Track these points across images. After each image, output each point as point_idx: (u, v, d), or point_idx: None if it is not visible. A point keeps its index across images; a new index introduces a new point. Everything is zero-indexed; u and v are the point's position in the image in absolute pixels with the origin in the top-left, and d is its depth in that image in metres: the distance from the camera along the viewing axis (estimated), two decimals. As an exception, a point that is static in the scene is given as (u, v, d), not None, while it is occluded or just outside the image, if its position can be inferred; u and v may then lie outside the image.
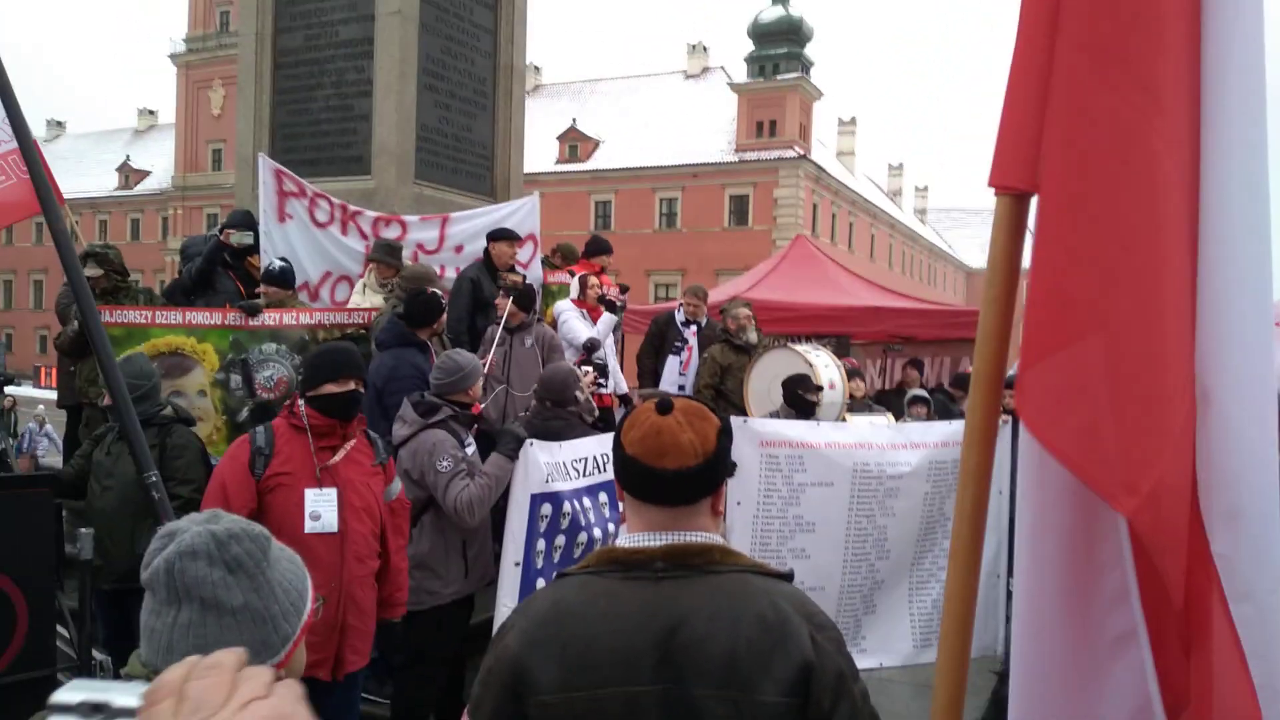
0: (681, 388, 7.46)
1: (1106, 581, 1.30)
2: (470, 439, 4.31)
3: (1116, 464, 1.23)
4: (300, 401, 3.57)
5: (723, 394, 7.15)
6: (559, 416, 4.62)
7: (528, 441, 4.13)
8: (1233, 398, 1.27)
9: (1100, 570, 1.31)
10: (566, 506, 4.24)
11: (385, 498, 3.75)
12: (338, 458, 3.54)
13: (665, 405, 1.74)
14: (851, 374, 7.44)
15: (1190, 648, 1.28)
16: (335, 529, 3.42)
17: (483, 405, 4.68)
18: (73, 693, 0.78)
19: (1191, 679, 1.27)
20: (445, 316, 5.82)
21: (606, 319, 6.94)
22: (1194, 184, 1.27)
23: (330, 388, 3.50)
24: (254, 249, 6.68)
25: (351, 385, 3.54)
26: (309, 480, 3.47)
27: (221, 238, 6.50)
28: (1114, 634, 1.30)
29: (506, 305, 5.87)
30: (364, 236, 6.80)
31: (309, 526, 3.38)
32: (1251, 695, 1.25)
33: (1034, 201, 1.38)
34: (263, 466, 3.46)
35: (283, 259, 6.35)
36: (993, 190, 1.45)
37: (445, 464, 4.02)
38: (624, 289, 8.31)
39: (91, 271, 5.86)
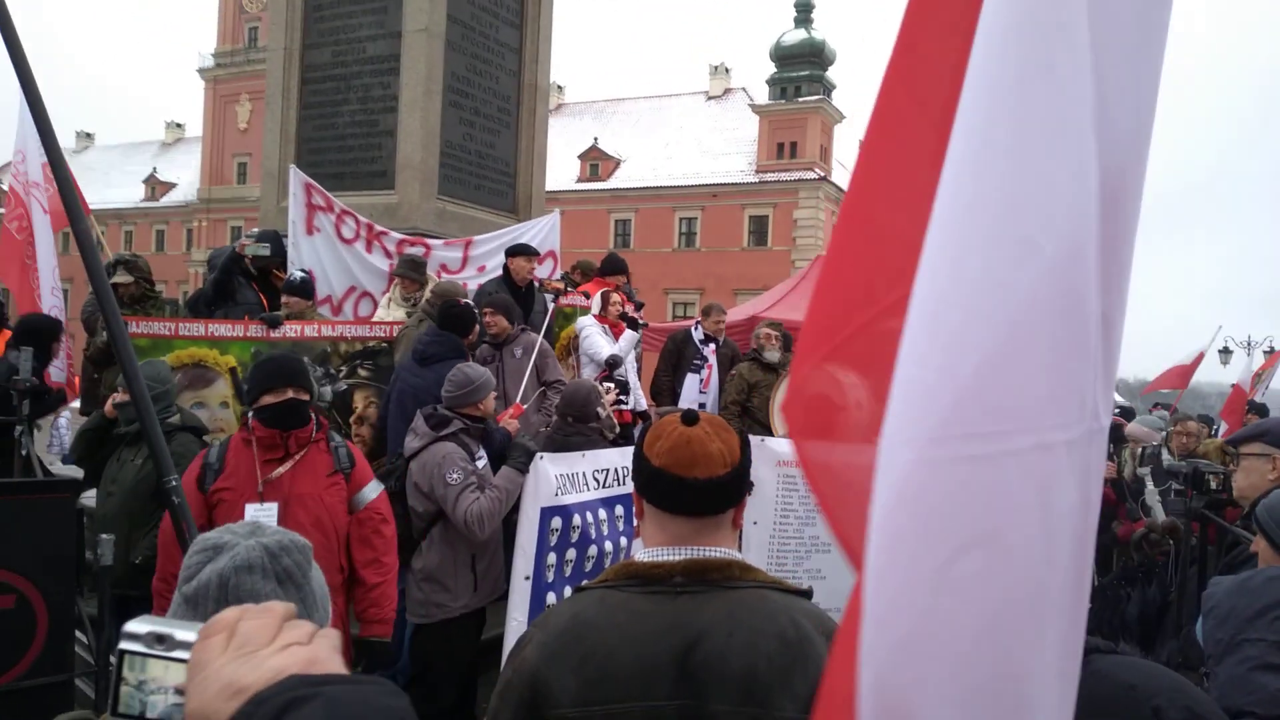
0: (702, 405, 7.45)
1: None
2: (481, 452, 4.31)
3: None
4: (250, 415, 3.55)
5: (749, 411, 7.14)
6: (580, 432, 4.62)
7: (538, 455, 4.13)
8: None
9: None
10: (576, 519, 4.23)
11: (354, 507, 3.66)
12: (282, 470, 3.48)
13: (691, 417, 1.75)
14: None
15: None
16: None
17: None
18: (141, 624, 0.85)
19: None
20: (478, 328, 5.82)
21: (629, 336, 6.95)
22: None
23: (267, 398, 3.45)
24: (280, 263, 6.75)
25: (289, 394, 3.47)
26: (251, 495, 3.42)
27: (237, 248, 6.58)
28: None
29: (499, 320, 5.80)
30: (388, 255, 6.86)
31: None
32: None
33: None
34: (210, 481, 3.45)
35: (304, 270, 6.40)
36: None
37: (455, 476, 4.02)
38: (639, 306, 8.31)
39: (122, 278, 5.95)
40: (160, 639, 0.84)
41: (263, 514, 3.39)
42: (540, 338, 5.87)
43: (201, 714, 0.75)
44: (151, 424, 3.00)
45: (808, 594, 1.75)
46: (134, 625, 0.85)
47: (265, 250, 6.57)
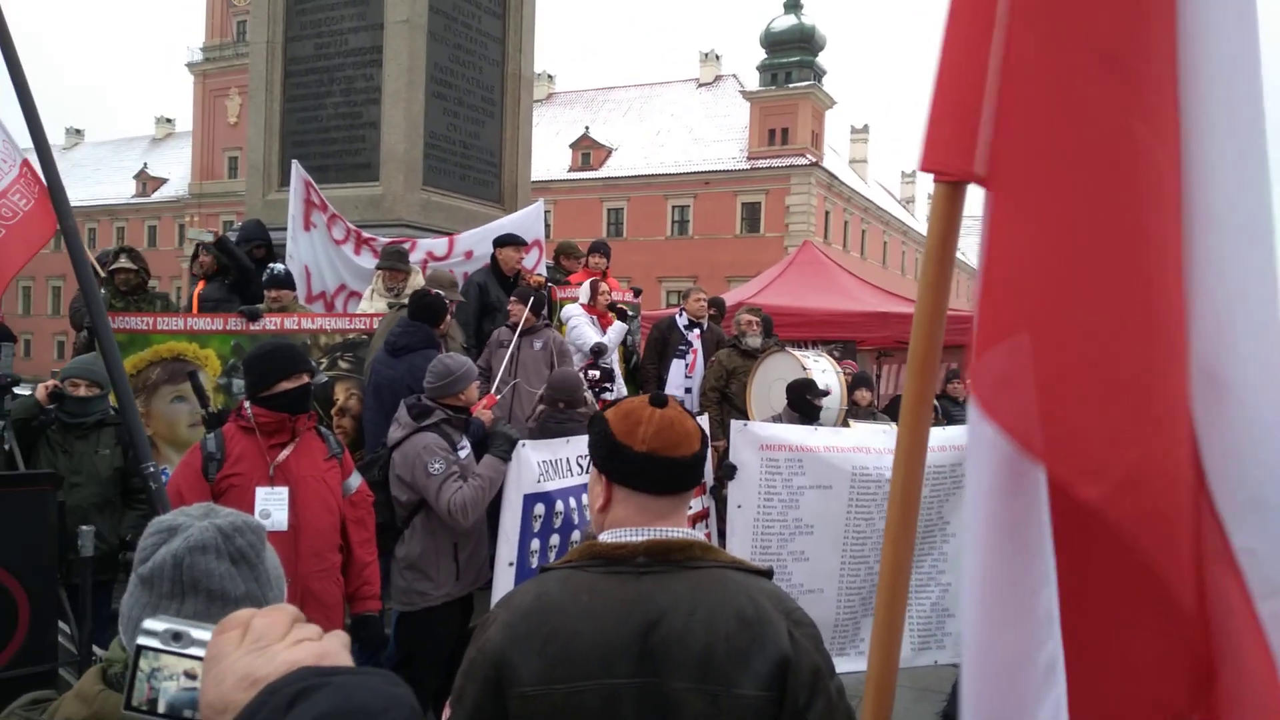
0: (688, 390, 7.45)
1: (1039, 601, 1.21)
2: (464, 442, 4.33)
3: (1077, 449, 1.15)
4: (246, 404, 3.64)
5: (727, 397, 7.15)
6: (572, 419, 4.67)
7: (520, 442, 4.17)
8: (1249, 384, 1.22)
9: (1035, 587, 1.22)
10: (559, 505, 4.26)
11: (344, 492, 3.80)
12: (286, 454, 3.59)
13: (660, 399, 1.78)
14: (860, 380, 7.41)
15: (1191, 655, 1.24)
16: (285, 527, 3.47)
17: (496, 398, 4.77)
18: (158, 622, 0.92)
19: (1218, 684, 1.24)
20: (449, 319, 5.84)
21: (617, 326, 6.96)
22: (1177, 176, 1.22)
23: (285, 385, 3.56)
24: (266, 250, 6.82)
25: (304, 379, 3.61)
26: (261, 479, 3.53)
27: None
28: (1046, 662, 1.21)
29: (522, 311, 5.88)
30: (376, 256, 6.89)
31: None
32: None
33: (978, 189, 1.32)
34: (215, 470, 3.52)
35: (282, 263, 6.48)
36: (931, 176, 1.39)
37: (437, 466, 4.05)
38: (637, 293, 8.31)
39: (127, 265, 5.97)
40: (177, 636, 0.91)
41: (273, 498, 3.51)
42: (561, 336, 5.98)
43: (220, 703, 0.80)
44: (134, 418, 3.03)
45: (768, 574, 1.77)
46: (151, 623, 0.91)
47: (209, 238, 6.76)
